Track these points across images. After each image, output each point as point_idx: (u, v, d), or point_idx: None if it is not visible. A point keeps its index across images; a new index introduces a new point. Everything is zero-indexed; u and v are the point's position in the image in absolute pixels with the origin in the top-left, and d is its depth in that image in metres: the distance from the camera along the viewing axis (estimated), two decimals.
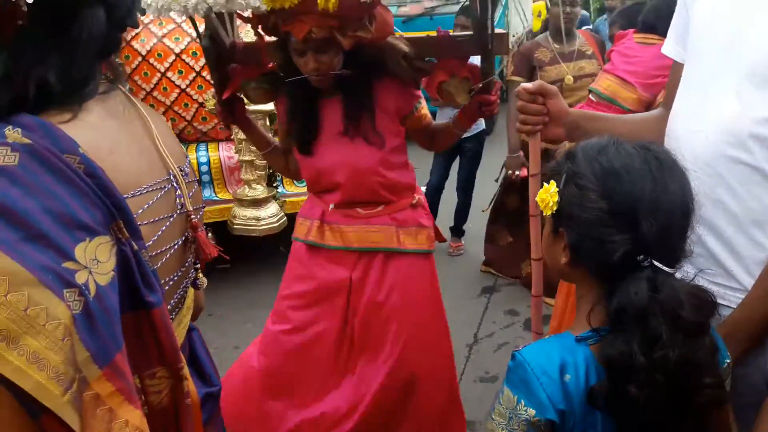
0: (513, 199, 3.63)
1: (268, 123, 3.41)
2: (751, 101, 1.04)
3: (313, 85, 1.73)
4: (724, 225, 1.09)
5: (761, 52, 1.04)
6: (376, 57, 1.74)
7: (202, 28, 1.81)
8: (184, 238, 0.86)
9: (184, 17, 3.66)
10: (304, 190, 3.86)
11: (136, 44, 3.54)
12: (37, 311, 0.61)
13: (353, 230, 1.87)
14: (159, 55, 3.58)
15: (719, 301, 1.10)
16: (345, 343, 1.93)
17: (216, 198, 3.70)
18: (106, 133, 0.76)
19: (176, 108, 3.67)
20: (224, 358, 2.64)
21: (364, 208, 1.86)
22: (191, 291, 0.96)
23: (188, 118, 3.71)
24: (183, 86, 3.65)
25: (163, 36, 3.59)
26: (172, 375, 0.78)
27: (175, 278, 0.86)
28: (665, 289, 0.84)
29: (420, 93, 1.87)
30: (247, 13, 1.69)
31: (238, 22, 1.91)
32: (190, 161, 0.93)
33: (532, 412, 0.89)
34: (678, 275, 0.92)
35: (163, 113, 3.59)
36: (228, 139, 3.76)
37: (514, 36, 8.30)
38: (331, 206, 1.87)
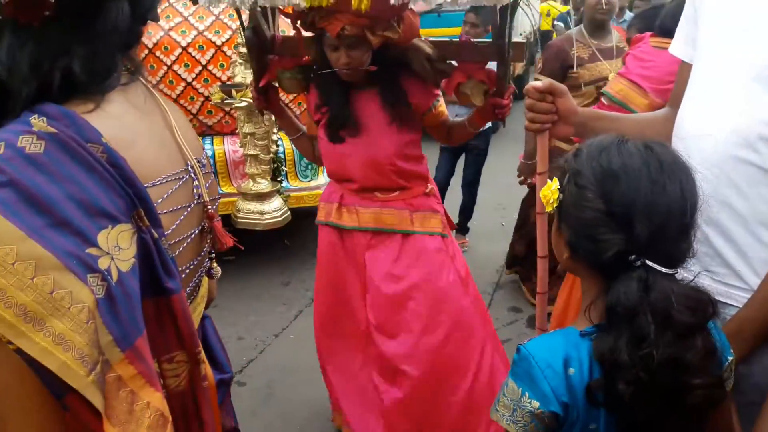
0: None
1: (273, 117, 3.42)
2: (760, 102, 1.05)
3: (343, 78, 1.89)
4: (731, 225, 1.09)
5: None
6: (401, 56, 1.89)
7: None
8: (200, 227, 0.88)
9: (191, 11, 3.67)
10: (309, 185, 3.89)
11: (142, 37, 3.56)
12: (62, 294, 0.63)
13: (369, 212, 2.05)
14: (165, 48, 3.59)
15: (726, 300, 1.12)
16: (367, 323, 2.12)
17: (220, 191, 3.72)
18: (128, 123, 0.77)
19: (182, 101, 3.69)
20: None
21: (382, 193, 2.03)
22: (205, 280, 0.98)
23: (194, 111, 3.73)
24: (189, 79, 3.66)
25: (170, 29, 3.60)
26: (190, 359, 0.80)
27: (192, 267, 0.88)
28: (656, 290, 0.85)
29: (438, 91, 2.01)
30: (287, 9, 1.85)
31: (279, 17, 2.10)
32: (206, 153, 0.94)
33: (536, 404, 0.91)
34: (685, 274, 0.92)
35: None
36: (233, 133, 3.77)
37: (521, 34, 8.31)
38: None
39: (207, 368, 0.84)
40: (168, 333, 0.77)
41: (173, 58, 3.61)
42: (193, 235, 0.86)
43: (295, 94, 3.48)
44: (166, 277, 0.75)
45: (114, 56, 0.77)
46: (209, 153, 3.72)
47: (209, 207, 0.89)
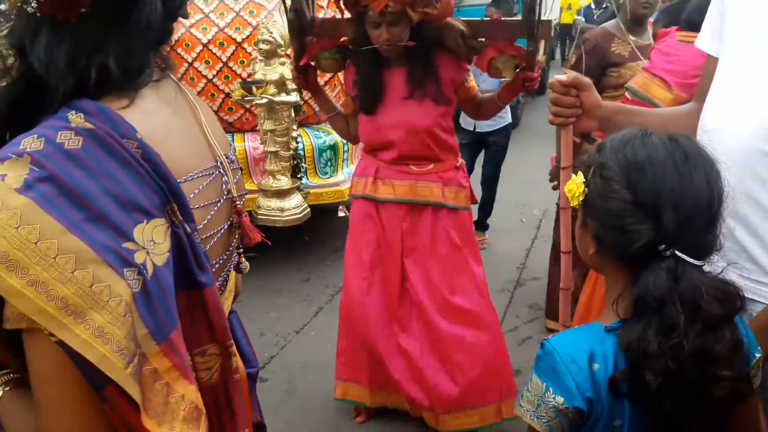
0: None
1: (293, 114, 3.44)
2: None
3: (383, 54, 2.09)
4: (756, 220, 1.08)
5: None
6: (436, 34, 2.08)
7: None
8: (229, 222, 0.89)
9: (212, 7, 3.70)
10: (328, 181, 3.91)
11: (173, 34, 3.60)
12: (101, 288, 0.64)
13: (405, 184, 2.22)
14: (186, 45, 3.62)
15: (751, 296, 1.10)
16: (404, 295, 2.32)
17: None
18: (160, 119, 0.78)
19: (203, 98, 3.71)
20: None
21: (417, 166, 2.21)
22: (233, 274, 0.99)
23: (214, 108, 3.76)
24: (210, 76, 3.70)
25: (191, 26, 3.64)
26: (222, 352, 0.81)
27: (221, 261, 0.89)
28: (685, 280, 0.85)
29: (469, 67, 2.21)
30: None
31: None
32: (234, 149, 0.95)
33: (560, 399, 0.91)
34: (712, 269, 0.92)
35: None
36: (253, 130, 3.80)
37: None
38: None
39: (238, 361, 0.85)
40: (200, 326, 0.78)
41: (194, 55, 3.64)
42: (222, 230, 0.86)
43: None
44: (199, 271, 0.75)
45: (147, 53, 0.78)
46: None
47: (237, 202, 0.90)
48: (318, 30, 2.23)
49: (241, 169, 0.97)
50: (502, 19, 2.11)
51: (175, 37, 3.63)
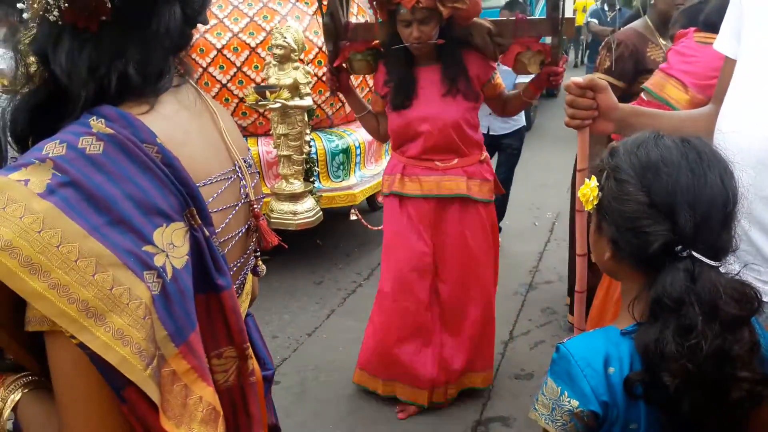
0: None
1: (306, 118, 3.46)
2: None
3: (413, 52, 2.20)
4: None
5: None
6: (464, 33, 2.19)
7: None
8: (247, 226, 0.90)
9: (226, 12, 3.73)
10: (340, 185, 3.92)
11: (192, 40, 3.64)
12: (121, 291, 0.65)
13: (431, 180, 2.32)
14: (201, 50, 3.65)
15: (767, 299, 1.09)
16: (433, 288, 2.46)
17: None
18: (180, 124, 0.79)
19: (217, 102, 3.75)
20: None
21: (441, 161, 2.31)
22: (250, 277, 1.00)
23: (229, 113, 3.78)
24: (224, 81, 3.72)
25: (205, 31, 3.67)
26: (239, 354, 0.81)
27: (239, 264, 0.89)
28: (703, 280, 0.85)
29: (495, 65, 2.31)
30: None
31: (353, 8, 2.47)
32: (251, 153, 0.96)
33: (575, 403, 0.90)
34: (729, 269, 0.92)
35: None
36: (267, 134, 3.83)
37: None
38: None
39: (254, 363, 0.86)
40: (217, 328, 0.79)
41: (209, 60, 3.68)
42: (240, 234, 0.87)
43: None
44: (217, 274, 0.76)
45: (166, 59, 0.79)
46: None
47: (255, 206, 0.91)
48: (351, 34, 2.36)
49: (258, 172, 0.98)
50: (528, 18, 2.23)
51: None
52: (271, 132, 3.58)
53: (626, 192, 0.90)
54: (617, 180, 0.92)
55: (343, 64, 2.37)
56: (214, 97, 3.72)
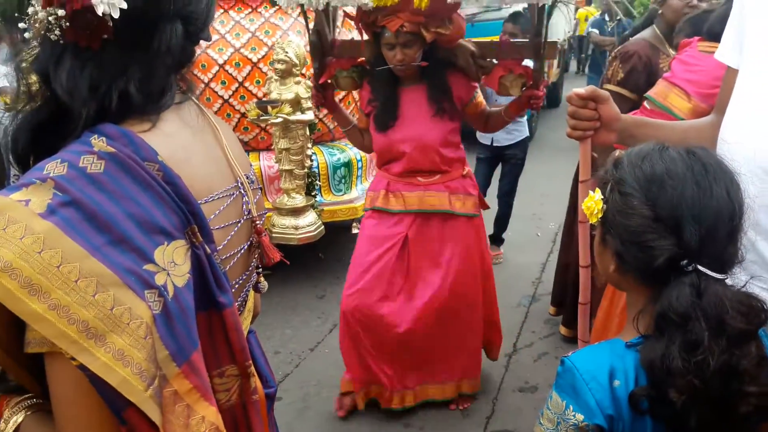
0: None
1: (308, 132, 3.46)
2: None
3: (396, 74, 2.23)
4: None
5: None
6: (448, 54, 2.23)
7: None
8: (249, 242, 0.89)
9: (228, 28, 3.75)
10: (342, 198, 3.92)
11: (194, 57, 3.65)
12: (122, 311, 0.65)
13: (413, 195, 2.34)
14: (203, 66, 3.67)
15: None
16: (402, 272, 2.42)
17: None
18: (182, 141, 0.79)
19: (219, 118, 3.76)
20: None
21: (424, 177, 2.33)
22: (252, 294, 0.99)
23: (230, 128, 3.79)
24: (226, 96, 3.74)
25: (207, 47, 3.68)
26: (241, 373, 0.81)
27: (241, 281, 0.89)
28: (709, 295, 0.84)
29: (477, 85, 2.35)
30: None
31: (339, 23, 2.49)
32: (254, 169, 0.96)
33: (580, 417, 0.89)
34: (730, 283, 0.91)
35: None
36: (268, 149, 3.83)
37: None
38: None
39: (257, 381, 0.85)
40: (219, 347, 0.78)
41: (210, 75, 3.69)
42: (242, 250, 0.87)
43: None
44: (219, 292, 0.76)
45: (168, 76, 0.79)
46: None
47: (257, 222, 0.91)
48: (338, 51, 2.38)
49: (260, 188, 0.98)
50: (511, 41, 2.32)
51: None
52: (272, 147, 3.58)
53: (631, 206, 0.90)
54: (622, 193, 0.92)
55: (329, 80, 2.40)
56: (216, 113, 3.71)
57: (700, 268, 0.85)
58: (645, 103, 2.32)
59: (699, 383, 0.81)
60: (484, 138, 4.12)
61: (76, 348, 0.62)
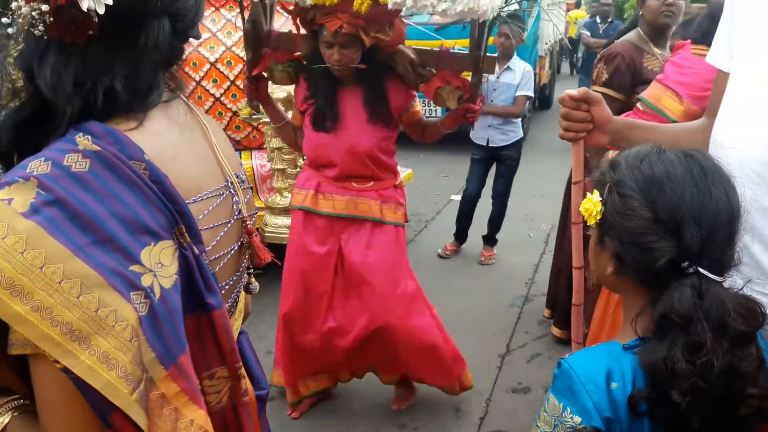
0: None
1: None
2: None
3: (333, 74, 2.14)
4: None
5: None
6: (387, 60, 2.17)
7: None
8: (239, 243, 0.88)
9: (219, 26, 3.73)
10: None
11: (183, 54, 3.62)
12: (107, 312, 0.63)
13: (345, 199, 2.29)
14: (194, 64, 3.64)
15: None
16: (336, 290, 2.39)
17: None
18: (169, 140, 0.78)
19: (210, 117, 3.73)
20: None
21: (358, 183, 2.28)
22: (243, 295, 0.98)
23: (222, 127, 3.74)
24: (217, 95, 3.71)
25: (199, 45, 3.66)
26: (231, 375, 0.79)
27: (231, 282, 0.88)
28: (710, 297, 0.84)
29: (416, 94, 2.29)
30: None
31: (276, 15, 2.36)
32: (244, 168, 0.95)
33: (577, 419, 0.89)
34: (726, 285, 0.91)
35: None
36: (260, 148, 3.81)
37: (546, 44, 8.28)
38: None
39: (248, 383, 0.84)
40: (208, 349, 0.77)
41: (202, 73, 3.67)
42: (232, 251, 0.86)
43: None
44: (208, 293, 0.74)
45: (155, 74, 0.77)
46: None
47: (248, 222, 0.89)
48: (274, 42, 2.28)
49: (251, 187, 0.96)
50: (450, 51, 2.22)
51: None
52: (264, 146, 3.57)
53: (631, 207, 0.89)
54: (621, 195, 0.91)
55: (263, 73, 2.31)
56: (207, 111, 3.71)
57: (701, 270, 0.86)
58: (638, 105, 2.33)
59: (703, 384, 0.81)
60: (479, 138, 4.12)
61: (59, 351, 0.61)
